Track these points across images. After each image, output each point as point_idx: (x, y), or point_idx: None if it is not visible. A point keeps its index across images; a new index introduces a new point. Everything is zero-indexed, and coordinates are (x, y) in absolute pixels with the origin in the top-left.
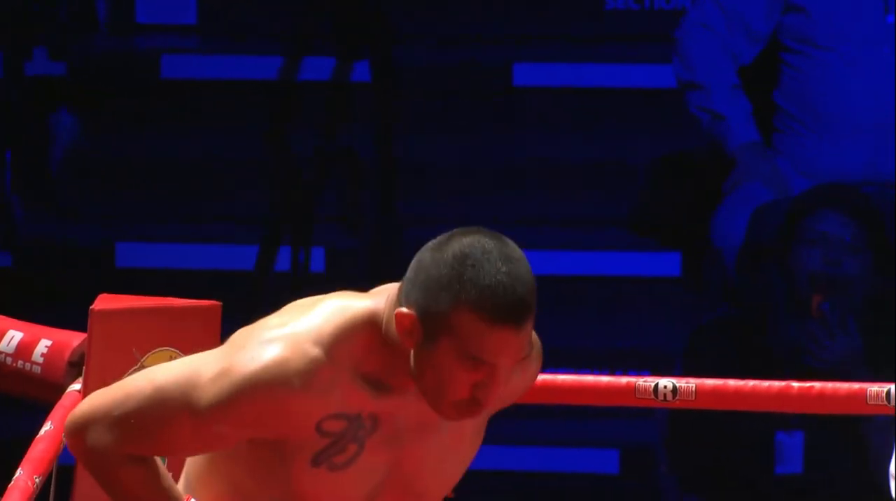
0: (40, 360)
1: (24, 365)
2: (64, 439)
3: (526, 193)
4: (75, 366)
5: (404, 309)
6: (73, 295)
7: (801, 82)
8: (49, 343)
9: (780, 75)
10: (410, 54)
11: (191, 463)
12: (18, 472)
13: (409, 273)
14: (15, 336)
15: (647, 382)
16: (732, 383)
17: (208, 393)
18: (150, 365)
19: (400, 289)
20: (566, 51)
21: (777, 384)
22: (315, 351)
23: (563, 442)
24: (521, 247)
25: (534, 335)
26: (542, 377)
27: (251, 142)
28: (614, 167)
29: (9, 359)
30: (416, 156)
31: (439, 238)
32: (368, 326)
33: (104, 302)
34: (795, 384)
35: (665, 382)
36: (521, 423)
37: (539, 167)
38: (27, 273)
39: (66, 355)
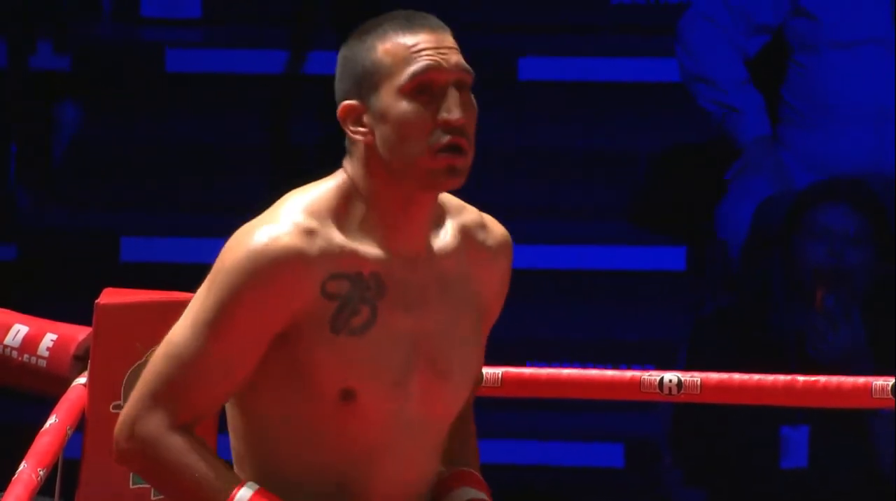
0: (46, 354)
1: (29, 358)
2: (116, 457)
3: (530, 187)
4: (81, 360)
5: (340, 106)
6: (78, 288)
7: (807, 78)
8: (54, 337)
9: (786, 71)
10: None
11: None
12: (23, 465)
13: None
14: (21, 330)
15: (651, 376)
16: (737, 377)
17: (216, 301)
18: None
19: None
20: (572, 44)
21: (782, 378)
22: (297, 220)
23: (568, 436)
24: (526, 240)
25: (500, 228)
26: (546, 371)
27: (255, 134)
28: (619, 160)
29: (14, 353)
30: None
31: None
32: (340, 190)
33: (109, 297)
34: (801, 378)
35: (670, 376)
36: (525, 417)
37: (544, 160)
38: (32, 265)
39: (72, 349)
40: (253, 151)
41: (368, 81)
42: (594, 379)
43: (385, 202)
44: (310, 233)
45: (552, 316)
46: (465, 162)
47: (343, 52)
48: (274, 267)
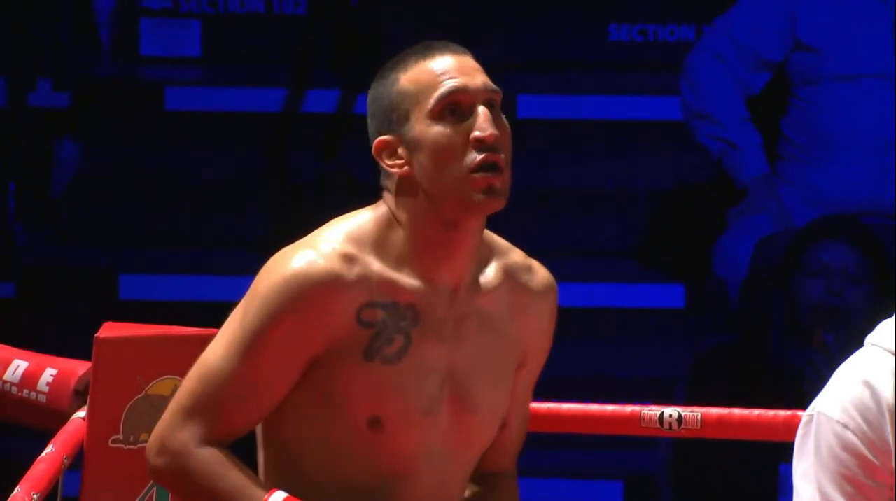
0: (46, 389)
1: (29, 393)
2: (149, 474)
3: (529, 224)
4: (80, 395)
5: (375, 142)
6: (77, 325)
7: (808, 112)
8: (54, 371)
9: (787, 106)
10: None
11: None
12: (17, 489)
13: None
14: (20, 365)
15: (652, 411)
16: (738, 412)
17: (252, 323)
18: (154, 394)
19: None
20: (570, 82)
21: (783, 413)
22: (336, 246)
23: (567, 473)
24: None
25: (546, 273)
26: (546, 406)
27: (254, 171)
28: (618, 198)
29: (14, 389)
30: None
31: None
32: (380, 219)
33: (109, 331)
34: (801, 413)
35: (670, 411)
36: (523, 454)
37: (543, 198)
38: (31, 302)
39: (72, 383)
40: (252, 189)
41: (397, 113)
42: (594, 413)
43: (424, 233)
44: (349, 259)
45: (553, 354)
46: (502, 181)
47: (370, 94)
48: (311, 292)
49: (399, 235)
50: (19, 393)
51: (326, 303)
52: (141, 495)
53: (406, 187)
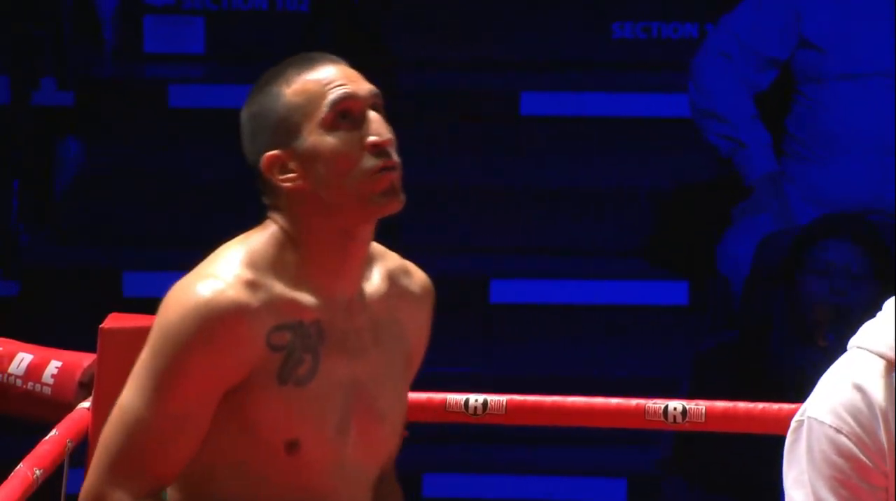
0: (50, 381)
1: (34, 386)
2: None
3: (533, 222)
4: (85, 387)
5: (261, 162)
6: (81, 323)
7: (811, 110)
8: (59, 364)
9: (791, 103)
10: (418, 81)
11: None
12: (19, 466)
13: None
14: (24, 358)
15: (656, 404)
16: (742, 405)
17: (161, 363)
18: None
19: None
20: (573, 80)
21: (787, 407)
22: (237, 273)
23: (570, 471)
24: (527, 275)
25: (423, 274)
26: (550, 399)
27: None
28: (620, 196)
29: (18, 381)
30: (422, 183)
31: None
32: (274, 239)
33: (114, 321)
34: None
35: (675, 404)
36: (526, 451)
37: (546, 196)
38: (35, 301)
39: (77, 375)
40: (255, 186)
41: (286, 126)
42: (599, 407)
43: (319, 247)
44: (252, 285)
45: (553, 352)
46: (399, 180)
47: (249, 111)
48: (219, 323)
49: (294, 254)
50: (24, 386)
51: (236, 332)
52: None
53: (298, 201)
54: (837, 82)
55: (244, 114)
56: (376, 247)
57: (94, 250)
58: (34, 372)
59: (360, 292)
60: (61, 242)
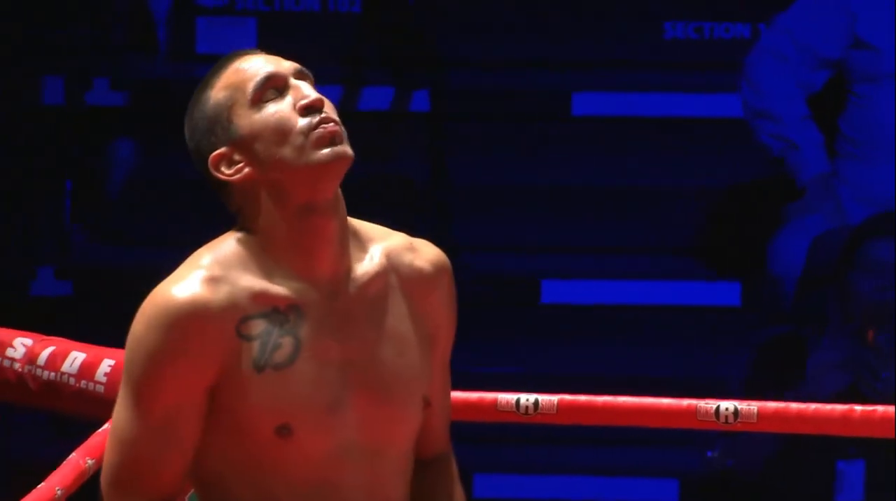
0: (103, 380)
1: (87, 384)
2: None
3: (584, 222)
4: None
5: (208, 163)
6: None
7: (865, 110)
8: (112, 362)
9: (845, 103)
10: (470, 81)
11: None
12: (72, 455)
13: (190, 149)
14: (78, 357)
15: (708, 404)
16: (794, 406)
17: (137, 372)
18: None
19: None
20: (625, 80)
21: (839, 407)
22: (200, 272)
23: (622, 472)
24: (578, 275)
25: (433, 250)
26: (602, 399)
27: None
28: (672, 196)
29: (72, 380)
30: (474, 183)
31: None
32: (239, 238)
33: None
34: (858, 407)
35: (727, 404)
36: (578, 452)
37: (597, 196)
38: (87, 301)
39: None
40: None
41: (219, 120)
42: (650, 406)
43: (284, 232)
44: (213, 281)
45: (604, 352)
46: (341, 133)
47: (187, 129)
48: (182, 322)
49: (260, 245)
50: (77, 385)
51: (201, 331)
52: None
53: (251, 191)
54: (892, 81)
55: (186, 133)
56: (376, 228)
57: (146, 250)
58: (87, 370)
59: (349, 272)
60: (114, 242)
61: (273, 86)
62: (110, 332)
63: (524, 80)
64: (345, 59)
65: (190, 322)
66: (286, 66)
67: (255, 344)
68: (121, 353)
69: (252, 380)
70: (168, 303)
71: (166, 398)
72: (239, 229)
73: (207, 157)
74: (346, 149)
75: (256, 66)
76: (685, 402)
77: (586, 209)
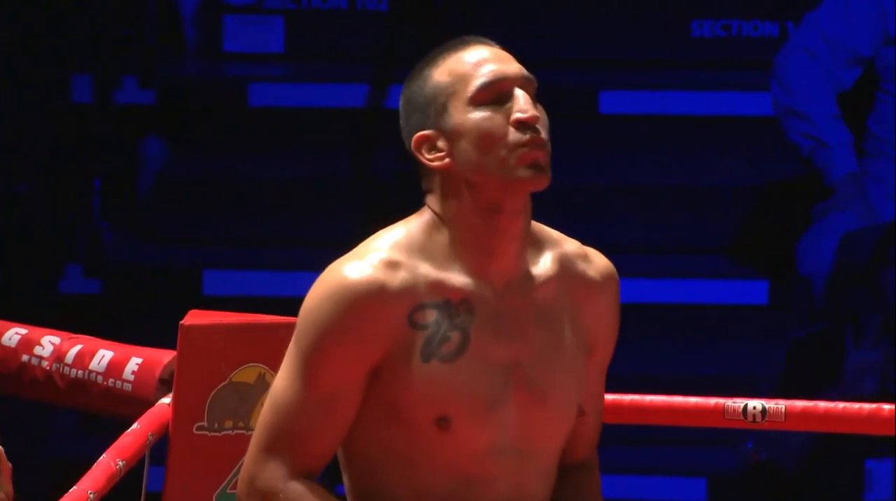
0: (131, 378)
1: (114, 383)
2: None
3: (610, 220)
4: (165, 383)
5: (410, 142)
6: (161, 322)
7: (895, 107)
8: (139, 360)
9: (874, 101)
10: None
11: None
12: (102, 457)
13: (401, 126)
14: (105, 355)
15: (735, 403)
16: (822, 405)
17: (307, 344)
18: (238, 381)
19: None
20: (652, 78)
21: (867, 406)
22: (381, 255)
23: (650, 470)
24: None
25: (604, 260)
26: (629, 398)
27: (337, 168)
28: (699, 195)
29: (99, 378)
30: None
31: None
32: (425, 223)
33: (194, 318)
34: (886, 406)
35: (754, 403)
36: (606, 451)
37: (624, 194)
38: (116, 299)
39: (157, 372)
40: (335, 185)
41: (434, 105)
42: (678, 405)
43: (470, 226)
44: (393, 265)
45: (632, 350)
46: (546, 157)
47: (403, 97)
48: (358, 303)
49: (445, 234)
50: (105, 383)
51: (375, 312)
52: (226, 481)
53: (448, 181)
54: None
55: (400, 101)
56: (554, 233)
57: (175, 248)
58: (115, 368)
59: (524, 274)
60: (143, 240)
61: (495, 90)
62: (138, 330)
63: (551, 78)
64: (372, 58)
65: (365, 303)
66: (513, 70)
67: (425, 334)
68: (147, 351)
69: (417, 369)
70: (345, 281)
71: (330, 373)
72: (427, 209)
73: (414, 133)
74: (546, 175)
75: (486, 63)
76: (713, 401)
77: (612, 207)
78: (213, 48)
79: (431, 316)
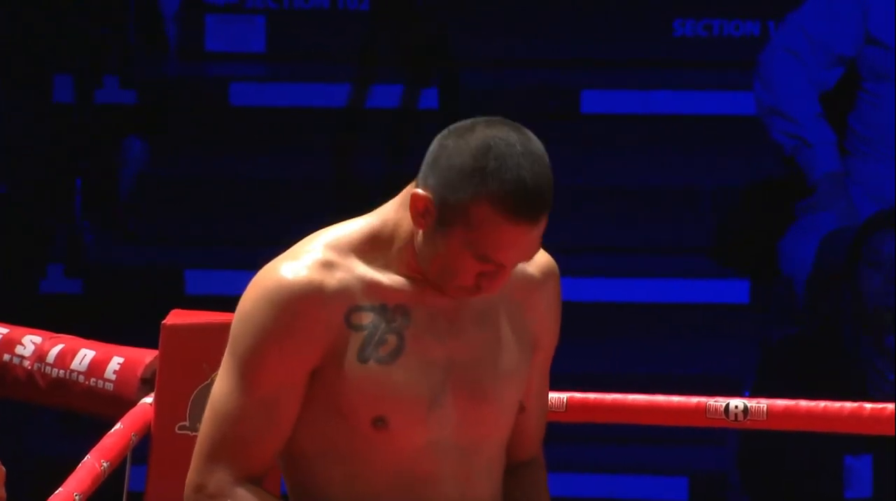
0: (112, 377)
1: (96, 382)
2: None
3: (592, 220)
4: (147, 383)
5: (420, 192)
6: (143, 321)
7: (877, 107)
8: (121, 360)
9: (856, 100)
10: (478, 79)
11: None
12: (86, 458)
13: (428, 157)
14: (87, 354)
15: (717, 402)
16: (804, 403)
17: (244, 347)
18: None
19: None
20: (634, 77)
21: (849, 405)
22: (317, 255)
23: (632, 469)
24: (587, 273)
25: (544, 257)
26: (611, 396)
27: (319, 167)
28: (680, 195)
29: (81, 377)
30: None
31: (461, 124)
32: (371, 227)
33: (176, 318)
34: (868, 405)
35: (736, 402)
36: (588, 450)
37: (605, 194)
38: (98, 299)
39: (139, 372)
40: (316, 184)
41: (452, 212)
42: (659, 404)
43: (409, 231)
44: (329, 265)
45: (613, 349)
46: (480, 295)
47: (451, 148)
48: (293, 302)
49: (390, 241)
50: (86, 382)
51: (312, 312)
52: None
53: (408, 212)
54: None
55: (449, 143)
56: None
57: (157, 248)
58: (97, 368)
59: None
60: (124, 240)
61: (492, 261)
62: (119, 330)
63: (533, 77)
64: (353, 57)
65: (301, 304)
66: (521, 261)
67: (362, 335)
68: (129, 351)
69: (354, 370)
70: (281, 283)
71: (269, 376)
72: (383, 213)
73: (427, 183)
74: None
75: (511, 250)
76: (694, 400)
77: (594, 207)
78: (195, 47)
79: (368, 319)
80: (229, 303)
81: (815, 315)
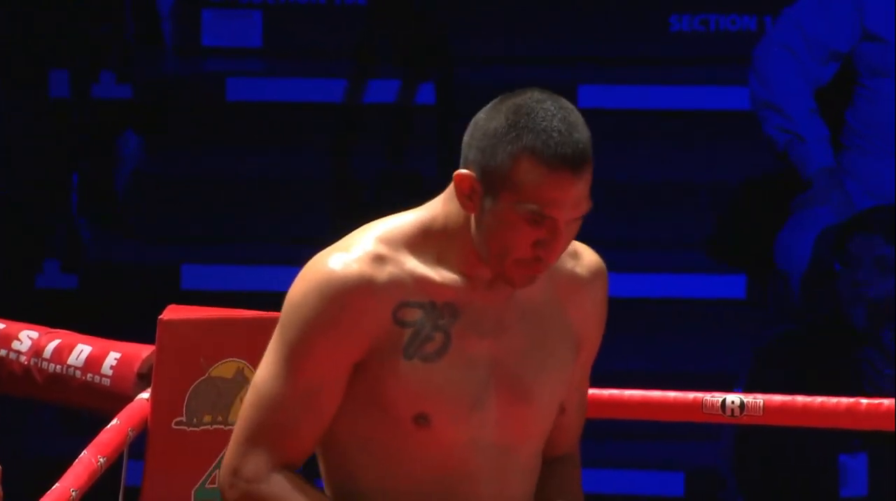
0: (109, 373)
1: (93, 377)
2: None
3: (590, 215)
4: (144, 378)
5: (462, 171)
6: (140, 316)
7: (874, 103)
8: (118, 355)
9: (853, 96)
10: (475, 75)
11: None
12: (83, 453)
13: (465, 136)
14: (84, 349)
15: (714, 397)
16: (800, 399)
17: (290, 335)
18: (217, 376)
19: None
20: (631, 72)
21: (845, 400)
22: (367, 248)
23: (628, 464)
24: None
25: (593, 256)
26: (607, 392)
27: (316, 164)
28: (677, 190)
29: (78, 373)
30: None
31: (492, 101)
32: (421, 222)
33: (172, 313)
34: (864, 400)
35: (732, 397)
36: (583, 445)
37: (602, 189)
38: (94, 294)
39: (136, 367)
40: (313, 180)
41: (495, 178)
42: (656, 400)
43: (467, 241)
44: (380, 259)
45: (610, 345)
46: (543, 270)
47: (482, 120)
48: (343, 296)
49: (441, 236)
50: (83, 377)
51: (360, 306)
52: (204, 476)
53: (466, 214)
54: None
55: (484, 119)
56: None
57: (153, 243)
58: (93, 363)
59: None
60: (121, 235)
61: (543, 219)
62: (116, 325)
63: (529, 72)
64: (350, 52)
65: (351, 297)
66: (573, 213)
67: (408, 332)
68: (126, 346)
69: (399, 366)
70: (331, 275)
71: (314, 366)
72: (433, 207)
73: (468, 162)
74: (532, 283)
75: (558, 201)
76: (691, 395)
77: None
78: (192, 43)
79: (416, 316)
80: (226, 299)
81: (808, 311)
